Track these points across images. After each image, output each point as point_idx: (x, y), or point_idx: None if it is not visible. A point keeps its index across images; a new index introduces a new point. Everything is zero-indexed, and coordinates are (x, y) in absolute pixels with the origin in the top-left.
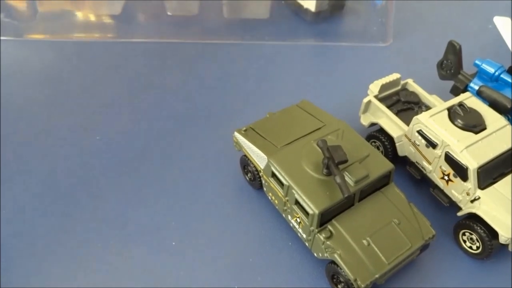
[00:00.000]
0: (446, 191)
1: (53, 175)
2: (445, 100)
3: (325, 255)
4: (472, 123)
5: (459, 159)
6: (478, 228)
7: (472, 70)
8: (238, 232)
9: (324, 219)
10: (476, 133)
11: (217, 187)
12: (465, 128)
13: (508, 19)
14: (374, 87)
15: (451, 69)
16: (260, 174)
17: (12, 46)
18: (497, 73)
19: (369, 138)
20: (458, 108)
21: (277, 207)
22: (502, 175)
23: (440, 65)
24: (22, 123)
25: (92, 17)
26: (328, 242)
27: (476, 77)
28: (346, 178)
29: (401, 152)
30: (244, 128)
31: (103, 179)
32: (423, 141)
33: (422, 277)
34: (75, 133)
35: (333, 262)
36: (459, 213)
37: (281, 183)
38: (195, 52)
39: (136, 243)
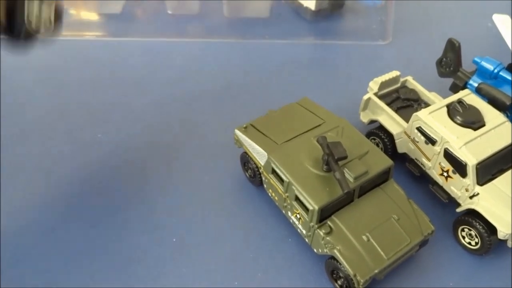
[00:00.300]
0: (445, 187)
1: (53, 174)
2: (445, 97)
3: (325, 250)
4: (471, 120)
5: (458, 155)
6: (477, 224)
7: (471, 68)
8: (239, 228)
9: (324, 215)
10: (475, 129)
11: (217, 184)
12: (464, 124)
13: (507, 16)
14: (374, 85)
15: (451, 66)
16: (260, 170)
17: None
18: (496, 71)
19: (369, 135)
20: (457, 105)
21: (277, 203)
22: (501, 171)
23: (440, 63)
24: (22, 122)
25: (92, 16)
26: (327, 238)
27: (475, 75)
28: (346, 174)
29: (400, 149)
30: (245, 125)
31: (103, 176)
32: (423, 138)
33: (421, 272)
34: (75, 131)
35: (332, 258)
36: (458, 209)
37: (281, 180)
38: (196, 50)
39: (135, 239)
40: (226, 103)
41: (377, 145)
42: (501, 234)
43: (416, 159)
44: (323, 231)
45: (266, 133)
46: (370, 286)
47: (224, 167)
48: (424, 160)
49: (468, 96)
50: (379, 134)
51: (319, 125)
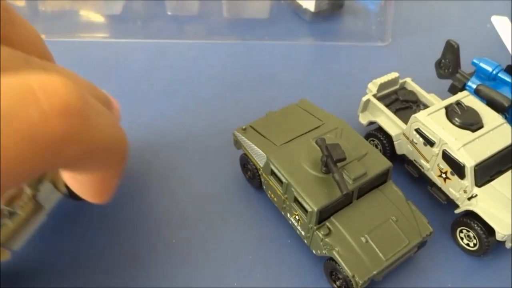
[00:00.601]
0: (443, 188)
1: None
2: (444, 99)
3: (324, 252)
4: (470, 122)
5: (456, 157)
6: (475, 225)
7: (470, 69)
8: (238, 229)
9: (323, 216)
10: (474, 131)
11: (216, 185)
12: (462, 126)
13: (506, 18)
14: (373, 86)
15: (449, 68)
16: (260, 172)
17: None
18: (494, 72)
19: (367, 136)
20: (455, 106)
21: (276, 204)
22: (499, 173)
23: (438, 64)
24: None
25: (92, 17)
26: (326, 239)
27: (474, 76)
28: (345, 176)
29: (399, 150)
30: (244, 127)
31: None
32: (421, 140)
33: (420, 273)
34: None
35: (331, 259)
36: (457, 211)
37: (280, 181)
38: (195, 51)
39: (134, 241)
40: (225, 104)
41: (376, 146)
42: (499, 236)
43: (414, 160)
44: (322, 232)
45: (265, 135)
46: (368, 287)
47: (223, 168)
48: (423, 162)
49: (467, 98)
50: (378, 135)
51: (318, 126)
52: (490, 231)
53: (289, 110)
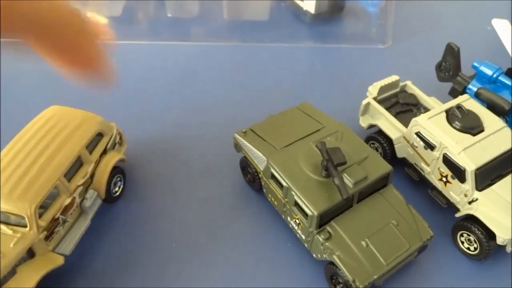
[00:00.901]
0: (444, 192)
1: None
2: (444, 102)
3: (324, 256)
4: (470, 125)
5: (457, 161)
6: (476, 229)
7: (471, 72)
8: (238, 233)
9: (323, 220)
10: (474, 135)
11: (217, 188)
12: (463, 130)
13: (506, 21)
14: (373, 89)
15: (450, 71)
16: (260, 175)
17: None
18: (495, 75)
19: (368, 139)
20: (456, 110)
21: (276, 208)
22: (500, 177)
23: (439, 67)
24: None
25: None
26: (327, 243)
27: (474, 79)
28: (345, 180)
29: (399, 153)
30: (244, 130)
31: None
32: (422, 143)
33: (421, 277)
34: None
35: (332, 263)
36: (457, 214)
37: (280, 185)
38: (195, 53)
39: (136, 245)
40: (225, 107)
41: (376, 149)
42: (500, 240)
43: (415, 164)
44: (322, 236)
45: (266, 138)
46: None
47: (223, 170)
48: (423, 165)
49: (467, 101)
50: (378, 138)
51: (319, 130)
52: (490, 235)
53: (290, 113)
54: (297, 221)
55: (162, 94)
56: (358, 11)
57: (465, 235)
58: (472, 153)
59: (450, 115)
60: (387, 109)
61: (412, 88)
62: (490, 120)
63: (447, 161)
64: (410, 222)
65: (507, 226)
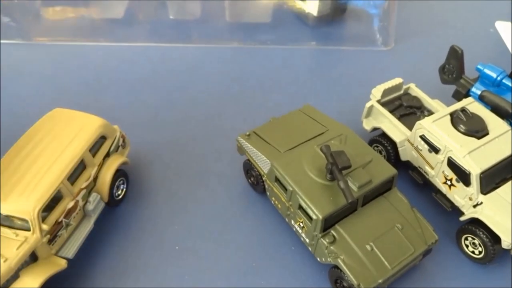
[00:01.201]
0: (448, 196)
1: None
2: (448, 104)
3: (328, 259)
4: (475, 128)
5: (462, 164)
6: (481, 233)
7: (474, 75)
8: (241, 236)
9: (328, 224)
10: (479, 138)
11: (220, 190)
12: (467, 133)
13: (510, 24)
14: (377, 92)
15: (453, 73)
16: (264, 178)
17: (16, 49)
18: (499, 78)
19: (371, 142)
20: (460, 113)
21: (280, 211)
22: (505, 180)
23: (442, 70)
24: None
25: (94, 21)
26: (331, 247)
27: (478, 82)
28: (350, 183)
29: (403, 156)
30: (248, 133)
31: None
32: (426, 146)
33: (425, 281)
34: None
35: (336, 267)
36: (462, 218)
37: (284, 188)
38: (197, 55)
39: (139, 248)
40: (228, 109)
41: (380, 152)
42: (505, 244)
43: (419, 167)
44: (327, 240)
45: (269, 141)
46: None
47: (226, 174)
48: (428, 168)
49: (472, 104)
50: (382, 141)
51: (322, 133)
52: (495, 239)
53: (293, 116)
54: (301, 224)
55: (164, 96)
56: (360, 13)
57: (469, 238)
58: (477, 157)
59: (454, 118)
60: (391, 111)
61: (416, 90)
62: (494, 123)
63: (452, 164)
64: (415, 226)
65: None
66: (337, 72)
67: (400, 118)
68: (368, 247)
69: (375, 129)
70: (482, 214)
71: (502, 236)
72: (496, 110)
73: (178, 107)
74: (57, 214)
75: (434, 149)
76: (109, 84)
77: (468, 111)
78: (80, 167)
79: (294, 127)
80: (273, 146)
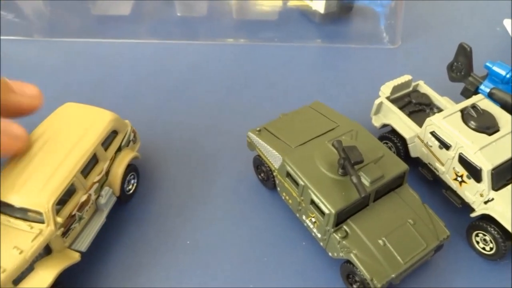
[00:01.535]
0: (459, 192)
1: None
2: (456, 102)
3: (341, 254)
4: (486, 125)
5: (473, 160)
6: (492, 229)
7: (482, 73)
8: (252, 231)
9: (340, 219)
10: (490, 134)
11: (229, 186)
12: (478, 129)
13: None
14: (386, 89)
15: (462, 71)
16: (274, 174)
17: (20, 45)
18: (508, 76)
19: (381, 139)
20: (471, 109)
21: (291, 207)
22: None
23: (450, 67)
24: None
25: (101, 18)
26: (344, 242)
27: (487, 80)
28: (362, 178)
29: (413, 153)
30: (258, 128)
31: None
32: (436, 143)
33: (436, 278)
34: None
35: (348, 262)
36: (472, 214)
37: (296, 183)
38: (204, 52)
39: (150, 241)
40: (235, 106)
41: (390, 149)
42: None
43: (429, 163)
44: (339, 235)
45: (280, 136)
46: None
47: (235, 170)
48: (438, 165)
49: (482, 101)
50: (391, 138)
51: (333, 128)
52: (507, 235)
53: (303, 112)
54: (313, 219)
55: (170, 93)
56: (367, 12)
57: (480, 235)
58: (488, 153)
59: (465, 115)
60: (400, 108)
61: (425, 88)
62: (505, 120)
63: (463, 160)
64: (427, 222)
65: None
66: (344, 69)
67: (409, 115)
68: (380, 242)
69: (384, 125)
70: (493, 210)
71: None
72: (506, 107)
73: (185, 103)
74: (70, 207)
75: (445, 146)
76: (116, 80)
77: (478, 108)
78: (92, 161)
79: (304, 122)
80: (284, 142)
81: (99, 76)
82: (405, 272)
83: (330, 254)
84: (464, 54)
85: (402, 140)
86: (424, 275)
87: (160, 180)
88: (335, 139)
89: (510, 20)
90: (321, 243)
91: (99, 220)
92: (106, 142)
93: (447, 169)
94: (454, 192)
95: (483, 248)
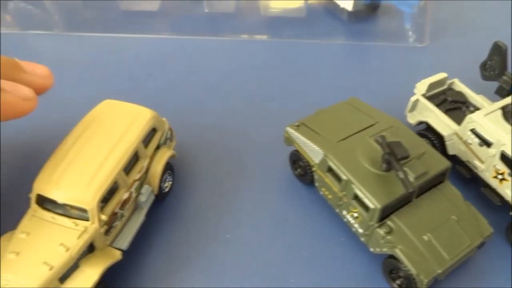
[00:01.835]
0: (498, 190)
1: None
2: (491, 100)
3: (384, 250)
4: None
5: None
6: None
7: None
8: (289, 226)
9: (384, 214)
10: None
11: (264, 182)
12: None
13: None
14: (422, 86)
15: (495, 70)
16: (313, 169)
17: (51, 40)
18: None
19: None
20: None
21: (329, 202)
22: None
23: (484, 66)
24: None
25: (129, 14)
26: (388, 237)
27: None
28: None
29: (451, 150)
30: (297, 123)
31: None
32: (476, 140)
33: (475, 275)
34: None
35: (391, 257)
36: None
37: (338, 178)
38: (232, 49)
39: (190, 237)
40: (262, 103)
41: None
42: None
43: (467, 161)
44: (384, 230)
45: (319, 132)
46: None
47: (269, 165)
48: (477, 163)
49: None
50: (427, 135)
51: (372, 124)
52: None
53: (340, 108)
54: (354, 214)
55: (200, 89)
56: (395, 10)
57: None
58: None
59: (506, 113)
60: (436, 106)
61: (460, 85)
62: None
63: (505, 158)
64: (470, 218)
65: None
66: (372, 67)
67: (445, 112)
68: (425, 237)
69: (420, 123)
70: None
71: None
72: None
73: (215, 99)
74: (113, 205)
75: (485, 143)
76: (147, 75)
77: None
78: (133, 159)
79: (342, 118)
80: (324, 137)
81: (128, 72)
82: (450, 268)
83: (371, 249)
84: (499, 52)
85: (439, 137)
86: (463, 273)
87: (195, 177)
88: (377, 135)
89: None
90: (362, 238)
91: (139, 218)
92: (146, 140)
93: (487, 166)
94: (493, 190)
95: None
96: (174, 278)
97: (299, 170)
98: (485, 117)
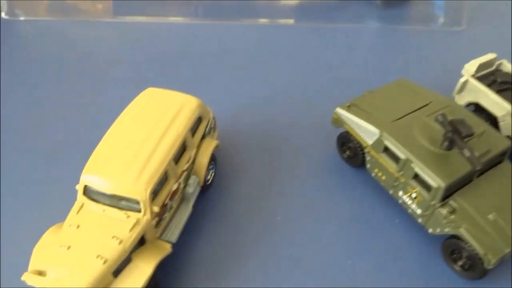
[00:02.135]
0: None
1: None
2: None
3: (445, 230)
4: None
5: None
6: None
7: None
8: (340, 209)
9: (447, 193)
10: None
11: (310, 166)
12: None
13: None
14: (471, 67)
15: None
16: (366, 150)
17: (84, 26)
18: None
19: None
20: None
21: (383, 183)
22: None
23: None
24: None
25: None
26: (451, 217)
27: None
28: None
29: (504, 131)
30: (348, 104)
31: None
32: None
33: None
34: None
35: (453, 237)
36: None
37: (395, 158)
38: (264, 34)
39: (240, 227)
40: (300, 87)
41: None
42: None
43: None
44: (447, 209)
45: (371, 112)
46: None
47: (312, 149)
48: None
49: None
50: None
51: (427, 104)
52: None
53: (389, 89)
54: (413, 195)
55: (235, 75)
56: None
57: None
58: None
59: None
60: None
61: (508, 66)
62: None
63: None
64: None
65: None
66: (409, 51)
67: (496, 93)
68: (490, 217)
69: (469, 104)
70: None
71: None
72: None
73: (252, 85)
74: (164, 196)
75: None
76: (177, 62)
77: None
78: (181, 149)
79: (394, 99)
80: (377, 117)
81: (161, 57)
82: None
83: (430, 230)
84: None
85: (490, 118)
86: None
87: (234, 166)
88: (437, 114)
89: None
90: (419, 220)
91: (187, 210)
92: (193, 129)
93: None
94: None
95: None
96: (222, 266)
97: (348, 152)
98: None
